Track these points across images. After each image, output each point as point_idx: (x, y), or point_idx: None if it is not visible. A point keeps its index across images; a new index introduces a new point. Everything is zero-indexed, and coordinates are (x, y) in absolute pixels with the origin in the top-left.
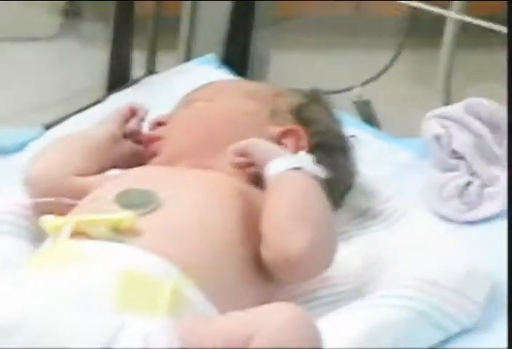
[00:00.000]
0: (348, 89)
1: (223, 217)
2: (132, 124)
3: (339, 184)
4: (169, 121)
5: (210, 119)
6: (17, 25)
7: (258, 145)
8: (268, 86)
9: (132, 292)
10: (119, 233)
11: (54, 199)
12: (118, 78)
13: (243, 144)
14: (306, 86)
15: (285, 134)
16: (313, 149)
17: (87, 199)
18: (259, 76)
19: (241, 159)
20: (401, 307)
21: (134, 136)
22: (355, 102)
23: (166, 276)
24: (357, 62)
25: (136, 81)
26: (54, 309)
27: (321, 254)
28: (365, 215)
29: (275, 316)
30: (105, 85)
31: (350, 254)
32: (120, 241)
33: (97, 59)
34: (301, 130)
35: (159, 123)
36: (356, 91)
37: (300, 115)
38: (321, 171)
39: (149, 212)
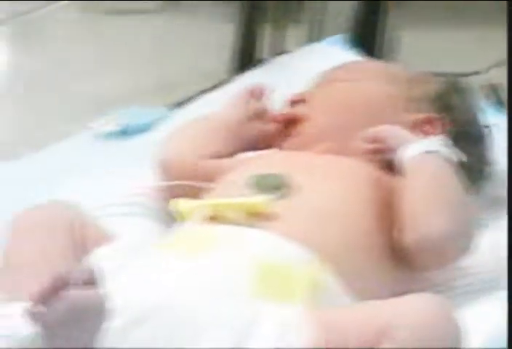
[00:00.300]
0: (476, 73)
1: (359, 204)
2: (258, 105)
3: (472, 171)
4: (309, 100)
5: (352, 100)
6: None
7: (391, 132)
8: (406, 71)
9: (268, 279)
10: (254, 217)
11: (186, 182)
12: (245, 58)
13: (376, 130)
14: (434, 68)
15: (420, 122)
16: (447, 137)
17: (219, 183)
18: (388, 58)
19: (373, 145)
20: None
21: (261, 116)
22: (483, 87)
23: (303, 263)
24: (487, 42)
25: (264, 61)
26: (193, 293)
27: (461, 238)
28: (501, 203)
29: (414, 308)
30: (231, 64)
31: (487, 242)
32: (255, 226)
33: (219, 35)
34: (436, 118)
35: (296, 101)
36: (484, 74)
37: (435, 102)
38: (455, 155)
39: (283, 197)
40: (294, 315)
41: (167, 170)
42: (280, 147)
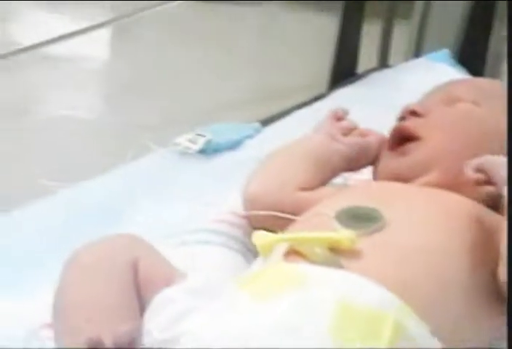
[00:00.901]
0: None
1: (453, 242)
2: (344, 123)
3: None
4: (425, 115)
5: (477, 127)
6: None
7: (499, 163)
8: None
9: (349, 323)
10: (337, 253)
11: (273, 213)
12: (344, 71)
13: (482, 159)
14: None
15: None
16: None
17: (306, 215)
18: (495, 75)
19: (477, 175)
20: None
21: (350, 133)
22: None
23: (387, 306)
24: None
25: (363, 75)
26: (272, 336)
27: None
28: None
29: None
30: (328, 77)
31: None
32: (337, 265)
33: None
34: None
35: (413, 113)
36: None
37: None
38: None
39: (371, 233)
40: None
41: (252, 204)
42: (385, 165)
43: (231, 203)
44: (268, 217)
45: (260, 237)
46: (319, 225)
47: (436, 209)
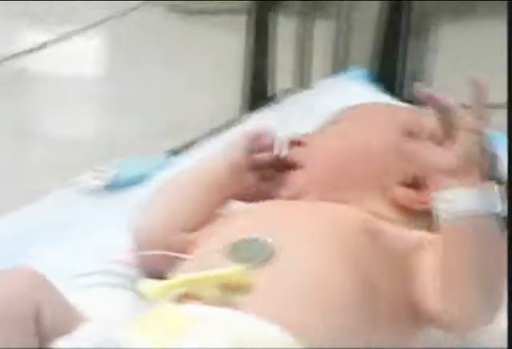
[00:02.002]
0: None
1: (346, 267)
2: (266, 156)
3: None
4: (307, 143)
5: (353, 152)
6: None
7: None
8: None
9: None
10: (230, 290)
11: (161, 252)
12: (258, 95)
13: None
14: None
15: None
16: None
17: (197, 252)
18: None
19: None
20: None
21: (263, 168)
22: None
23: (280, 345)
24: None
25: (280, 97)
26: None
27: (488, 316)
28: None
29: None
30: (242, 102)
31: None
32: (229, 304)
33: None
34: None
35: (294, 143)
36: None
37: None
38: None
39: (261, 264)
40: None
41: (140, 243)
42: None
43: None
44: (159, 256)
45: (148, 286)
46: (209, 263)
47: (327, 229)
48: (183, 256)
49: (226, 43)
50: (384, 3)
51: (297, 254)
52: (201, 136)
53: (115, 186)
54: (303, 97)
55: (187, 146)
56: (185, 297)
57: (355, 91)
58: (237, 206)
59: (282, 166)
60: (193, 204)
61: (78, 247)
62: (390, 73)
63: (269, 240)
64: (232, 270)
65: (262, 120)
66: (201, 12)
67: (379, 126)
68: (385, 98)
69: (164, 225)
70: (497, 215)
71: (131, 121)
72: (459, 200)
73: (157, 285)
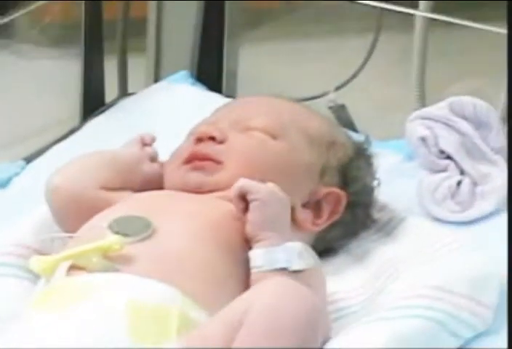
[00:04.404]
0: (323, 95)
1: (207, 243)
2: (152, 149)
3: (354, 235)
4: (221, 140)
5: (273, 161)
6: None
7: (266, 203)
8: (326, 129)
9: (141, 322)
10: (112, 260)
11: (56, 234)
12: (93, 102)
13: (250, 186)
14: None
15: (327, 196)
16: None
17: (83, 228)
18: (231, 90)
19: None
20: (418, 318)
21: (153, 160)
22: (330, 107)
23: (170, 301)
24: (328, 64)
25: (111, 105)
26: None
27: None
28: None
29: (265, 286)
30: (79, 110)
31: (353, 267)
32: (114, 270)
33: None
34: (343, 195)
35: (212, 138)
36: (331, 95)
37: (345, 174)
38: (307, 263)
39: (142, 239)
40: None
41: (54, 197)
42: (179, 177)
43: (15, 236)
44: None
45: (37, 262)
46: (94, 237)
47: (195, 214)
48: (68, 235)
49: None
50: (199, 8)
51: (172, 233)
52: (50, 143)
53: None
54: (132, 101)
55: (39, 152)
56: (72, 270)
57: (180, 91)
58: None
59: (196, 159)
60: (109, 171)
61: None
62: (209, 72)
63: (149, 218)
64: (110, 240)
65: (101, 125)
66: None
67: (290, 137)
68: (214, 96)
69: (81, 176)
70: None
71: None
72: (252, 258)
73: (44, 260)
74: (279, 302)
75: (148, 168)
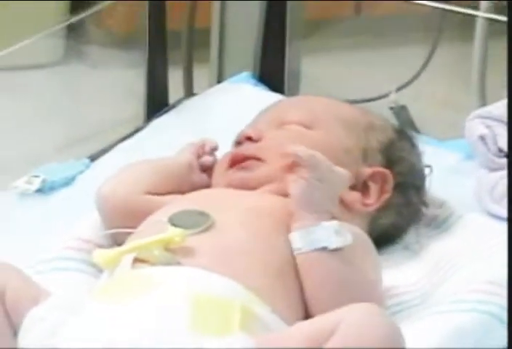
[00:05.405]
0: (384, 96)
1: (267, 239)
2: (207, 159)
3: (409, 222)
4: (259, 139)
5: (312, 149)
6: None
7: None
8: (360, 114)
9: (204, 314)
10: (174, 253)
11: (115, 231)
12: (157, 103)
13: (308, 153)
14: (341, 96)
15: (373, 176)
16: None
17: (143, 224)
18: (293, 90)
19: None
20: (474, 312)
21: (206, 170)
22: (391, 108)
23: (233, 294)
24: (389, 65)
25: (174, 105)
26: (136, 342)
27: None
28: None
29: (352, 312)
30: (144, 111)
31: (411, 262)
32: (176, 263)
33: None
34: (389, 174)
35: (249, 138)
36: (392, 96)
37: (388, 155)
38: (346, 240)
39: (202, 232)
40: (236, 342)
41: (104, 204)
42: (227, 179)
43: (76, 231)
44: (120, 219)
45: (100, 255)
46: (155, 231)
47: (253, 209)
48: (129, 230)
49: None
50: (262, 8)
51: (231, 227)
52: (115, 142)
53: (45, 189)
54: (195, 101)
55: (104, 151)
56: (135, 263)
57: (242, 91)
58: None
59: (236, 161)
60: (157, 178)
61: (25, 243)
62: (272, 73)
63: (210, 213)
64: (172, 233)
65: (164, 124)
66: None
67: (325, 125)
68: (276, 96)
69: (130, 184)
70: (324, 248)
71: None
72: (292, 240)
73: (107, 253)
74: (365, 329)
75: (198, 178)
